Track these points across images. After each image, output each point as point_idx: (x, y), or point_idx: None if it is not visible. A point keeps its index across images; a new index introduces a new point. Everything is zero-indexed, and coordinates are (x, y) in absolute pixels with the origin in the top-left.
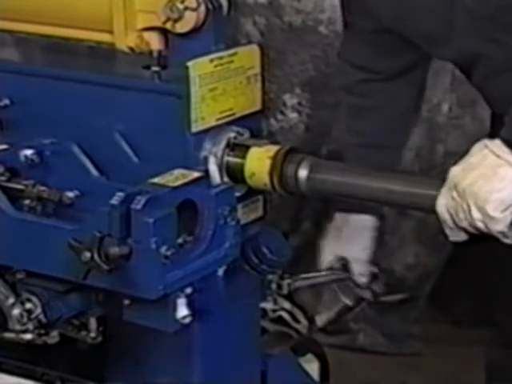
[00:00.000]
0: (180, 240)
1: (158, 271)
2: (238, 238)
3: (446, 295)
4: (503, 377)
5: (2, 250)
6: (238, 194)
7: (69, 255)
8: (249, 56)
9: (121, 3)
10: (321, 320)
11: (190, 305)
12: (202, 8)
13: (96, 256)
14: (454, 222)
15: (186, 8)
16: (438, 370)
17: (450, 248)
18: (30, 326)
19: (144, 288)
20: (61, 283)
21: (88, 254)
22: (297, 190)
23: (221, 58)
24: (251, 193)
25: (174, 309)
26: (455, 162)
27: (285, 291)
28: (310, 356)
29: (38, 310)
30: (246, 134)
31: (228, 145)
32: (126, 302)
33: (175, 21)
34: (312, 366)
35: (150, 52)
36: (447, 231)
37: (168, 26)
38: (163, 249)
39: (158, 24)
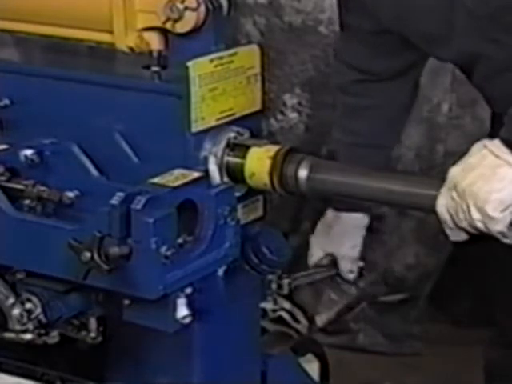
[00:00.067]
0: (180, 240)
1: (157, 271)
2: (238, 237)
3: (446, 295)
4: (503, 377)
5: (2, 249)
6: (238, 194)
7: (69, 255)
8: (249, 56)
9: (121, 3)
10: (321, 320)
11: (190, 305)
12: (202, 8)
13: (96, 256)
14: (454, 222)
15: (186, 8)
16: (438, 369)
17: (450, 248)
18: (30, 326)
19: (144, 288)
20: (61, 283)
21: (88, 254)
22: (297, 189)
23: (221, 58)
24: (251, 193)
25: (174, 309)
26: (455, 162)
27: (285, 291)
28: (310, 356)
29: (38, 310)
30: (246, 134)
31: (228, 145)
32: (126, 302)
33: (175, 21)
34: (312, 366)
35: (150, 52)
36: (447, 231)
37: (168, 26)
38: (163, 249)
39: (158, 24)
